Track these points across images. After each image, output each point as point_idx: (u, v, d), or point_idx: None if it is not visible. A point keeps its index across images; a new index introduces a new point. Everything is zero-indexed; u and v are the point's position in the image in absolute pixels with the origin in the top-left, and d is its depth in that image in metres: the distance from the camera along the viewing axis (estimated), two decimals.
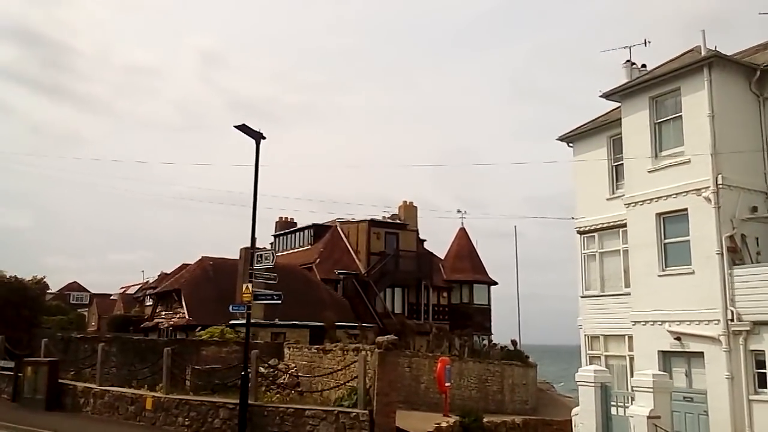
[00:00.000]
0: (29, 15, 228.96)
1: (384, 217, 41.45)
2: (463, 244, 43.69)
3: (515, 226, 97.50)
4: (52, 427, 13.87)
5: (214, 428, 13.94)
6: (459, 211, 47.01)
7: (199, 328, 28.08)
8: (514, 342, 32.16)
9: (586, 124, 21.32)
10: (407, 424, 13.75)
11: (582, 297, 20.33)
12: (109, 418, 15.55)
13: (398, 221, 41.29)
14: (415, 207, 42.28)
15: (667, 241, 16.97)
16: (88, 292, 77.90)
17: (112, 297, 70.75)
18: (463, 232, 44.22)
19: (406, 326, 29.26)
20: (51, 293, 59.54)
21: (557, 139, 21.87)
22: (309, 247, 41.43)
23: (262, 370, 17.70)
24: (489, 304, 42.46)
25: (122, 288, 70.23)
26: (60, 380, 17.23)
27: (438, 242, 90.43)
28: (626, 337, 18.34)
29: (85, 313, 62.48)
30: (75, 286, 79.93)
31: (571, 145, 21.59)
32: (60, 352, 19.89)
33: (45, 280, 26.31)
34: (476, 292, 41.92)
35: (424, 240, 43.14)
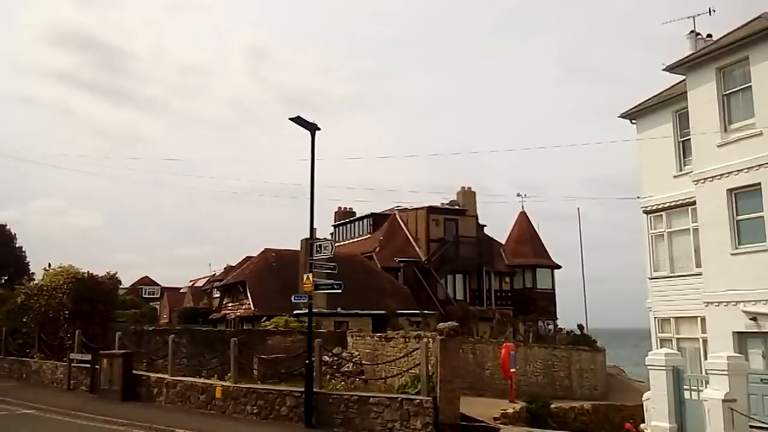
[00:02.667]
0: (82, 19, 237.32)
1: (442, 203, 41.24)
2: (524, 228, 43.02)
3: (578, 208, 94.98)
4: (129, 417, 14.41)
5: (281, 416, 14.19)
6: (519, 195, 46.36)
7: (264, 318, 28.67)
8: (580, 326, 31.52)
9: (649, 99, 20.54)
10: (472, 411, 13.64)
11: (650, 279, 19.69)
12: (181, 407, 16.05)
13: (457, 207, 41.00)
14: (474, 192, 41.90)
15: (739, 217, 16.23)
16: (159, 286, 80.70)
17: (181, 290, 73.02)
18: (523, 215, 43.55)
19: (468, 312, 29.08)
20: (124, 288, 61.98)
21: (619, 117, 21.16)
22: (368, 236, 41.66)
23: (326, 358, 17.93)
24: (553, 289, 41.74)
25: (191, 281, 72.36)
26: (134, 371, 17.85)
27: (498, 227, 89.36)
28: (698, 318, 17.69)
29: (157, 306, 64.75)
30: (147, 281, 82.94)
31: (634, 122, 20.86)
32: (133, 345, 20.64)
33: (117, 275, 27.37)
34: (539, 277, 41.25)
35: (484, 225, 42.71)
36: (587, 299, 40.49)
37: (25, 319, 23.15)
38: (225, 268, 57.09)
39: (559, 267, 42.28)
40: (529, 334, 28.08)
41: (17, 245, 52.99)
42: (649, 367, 15.35)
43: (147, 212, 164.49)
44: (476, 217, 41.44)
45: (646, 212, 19.93)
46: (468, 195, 41.58)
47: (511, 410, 18.70)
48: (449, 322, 13.12)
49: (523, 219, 43.43)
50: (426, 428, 12.04)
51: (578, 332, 30.68)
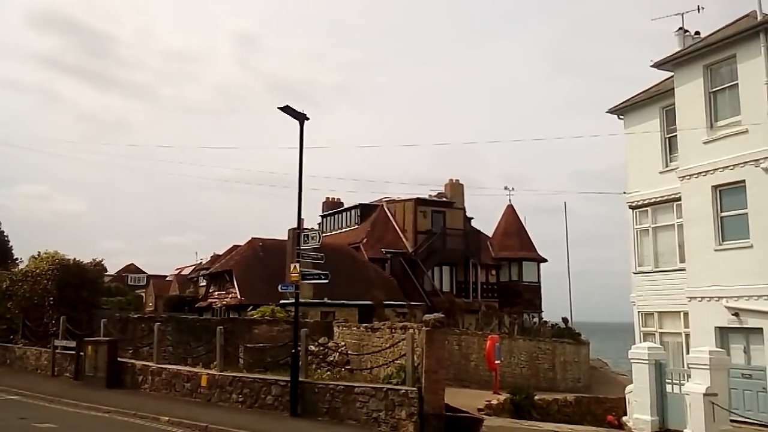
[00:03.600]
0: (66, 2, 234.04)
1: (430, 195, 41.31)
2: (511, 221, 43.22)
3: (565, 202, 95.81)
4: (113, 404, 14.37)
5: (266, 404, 14.23)
6: (506, 188, 46.42)
7: (251, 307, 28.66)
8: (565, 319, 31.83)
9: (637, 95, 20.67)
10: (457, 402, 13.74)
11: (635, 273, 19.89)
12: (166, 395, 16.04)
13: (445, 199, 41.09)
14: (462, 185, 42.00)
15: (723, 214, 16.42)
16: (145, 273, 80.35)
17: (167, 278, 72.77)
18: (510, 209, 43.74)
19: (454, 304, 29.22)
20: (109, 275, 61.67)
21: (607, 112, 21.29)
22: (356, 226, 41.69)
23: (312, 348, 17.95)
24: (539, 282, 42.01)
25: (177, 269, 72.14)
26: (119, 359, 17.80)
27: (484, 220, 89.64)
28: (681, 313, 17.90)
29: (143, 294, 64.50)
30: (132, 268, 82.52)
31: (621, 117, 21.00)
32: (118, 332, 20.58)
33: (103, 262, 27.17)
34: (525, 270, 41.49)
35: (472, 218, 42.90)
36: (572, 293, 40.84)
37: (9, 305, 22.97)
38: (211, 257, 56.95)
39: (545, 260, 42.57)
40: (514, 326, 28.28)
41: (1, 230, 52.58)
42: (632, 361, 15.55)
43: (133, 199, 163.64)
44: (464, 209, 41.57)
45: (632, 207, 20.10)
46: (456, 187, 41.67)
47: (495, 401, 18.86)
48: (435, 314, 13.20)
49: (510, 212, 43.62)
50: (411, 418, 12.12)
51: (563, 325, 30.96)
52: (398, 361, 14.53)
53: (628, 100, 20.75)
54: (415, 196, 40.15)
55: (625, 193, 20.59)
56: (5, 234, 52.88)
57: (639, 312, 19.59)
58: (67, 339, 19.53)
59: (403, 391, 12.35)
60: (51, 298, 21.45)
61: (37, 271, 22.52)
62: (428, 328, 12.46)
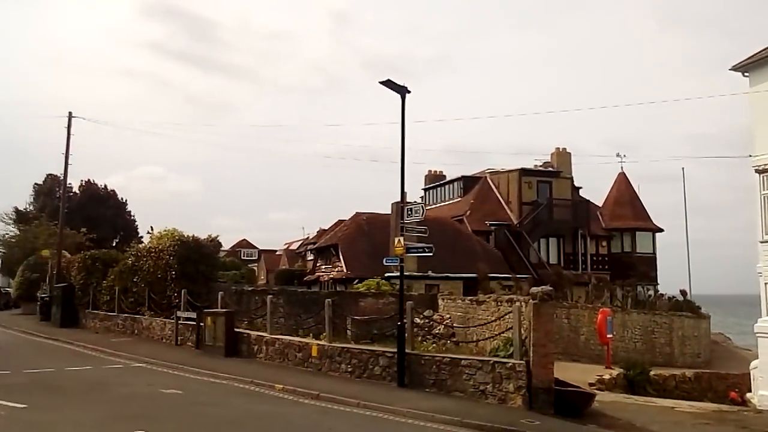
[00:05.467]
0: None
1: (536, 165, 40.22)
2: (623, 190, 41.29)
3: (683, 168, 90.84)
4: (232, 372, 15.16)
5: (374, 375, 14.50)
6: (618, 155, 44.25)
7: (357, 280, 29.24)
8: (683, 292, 30.17)
9: (765, 49, 18.96)
10: (567, 376, 13.39)
11: (762, 242, 18.45)
12: (279, 364, 16.72)
13: (551, 169, 39.87)
14: (569, 153, 40.54)
15: None
16: (257, 248, 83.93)
17: (277, 253, 75.59)
18: (623, 176, 41.76)
19: (562, 277, 28.41)
20: (224, 250, 64.89)
21: (731, 69, 19.68)
22: (459, 199, 41.36)
23: (417, 320, 18.08)
24: (654, 253, 40.02)
25: (286, 244, 74.73)
26: (235, 329, 18.73)
27: (592, 190, 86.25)
28: None
29: (255, 268, 67.44)
30: (244, 243, 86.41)
31: (746, 74, 19.36)
32: (234, 304, 21.63)
33: (218, 238, 28.63)
34: (639, 240, 39.61)
35: (580, 187, 41.37)
36: (690, 264, 38.54)
37: (135, 279, 24.67)
38: (318, 232, 58.50)
39: (660, 230, 40.46)
40: (627, 299, 27.13)
41: (128, 210, 56.59)
42: (757, 335, 14.55)
43: (242, 177, 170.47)
44: (571, 179, 40.15)
45: (758, 171, 18.59)
46: (562, 156, 40.28)
47: (607, 376, 18.30)
48: (543, 286, 12.86)
49: (623, 180, 41.64)
50: (519, 392, 11.96)
51: (680, 298, 29.38)
52: (504, 335, 14.34)
53: (754, 55, 19.09)
54: (519, 167, 39.26)
55: (750, 156, 19.07)
56: (131, 213, 56.98)
57: (766, 283, 18.20)
58: (188, 310, 20.72)
59: (511, 364, 12.19)
60: (173, 273, 22.80)
61: (159, 247, 24.00)
62: (536, 300, 12.17)
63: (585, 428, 11.22)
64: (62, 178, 34.84)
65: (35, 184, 55.30)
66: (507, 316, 14.35)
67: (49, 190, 52.68)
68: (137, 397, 12.41)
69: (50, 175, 53.94)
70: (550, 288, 12.93)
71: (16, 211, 51.55)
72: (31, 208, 52.46)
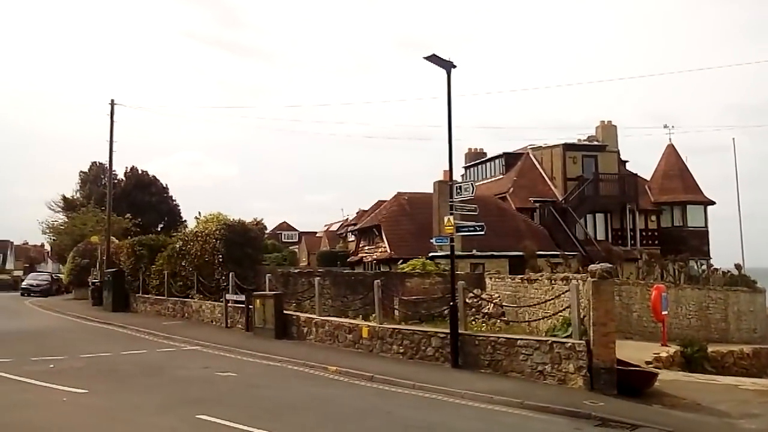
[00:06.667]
0: None
1: (579, 140, 39.29)
2: (673, 162, 40.06)
3: (733, 138, 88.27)
4: (284, 354, 15.16)
5: (427, 356, 14.35)
6: (665, 126, 42.89)
7: (401, 261, 29.09)
8: (738, 266, 29.23)
9: None
10: (622, 354, 13.01)
11: None
12: (330, 345, 16.69)
13: (596, 143, 38.90)
14: (614, 126, 39.45)
15: None
16: (297, 231, 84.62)
17: (317, 234, 76.04)
18: (671, 148, 40.50)
19: (612, 253, 27.74)
20: (266, 233, 65.54)
21: None
22: (501, 176, 40.74)
23: (467, 300, 17.84)
24: (706, 226, 38.81)
25: (326, 225, 75.06)
26: (284, 311, 18.79)
27: (638, 164, 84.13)
28: None
29: (296, 250, 67.98)
30: (285, 226, 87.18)
31: None
32: (281, 286, 21.72)
33: (263, 221, 28.72)
34: (690, 214, 38.43)
35: (626, 161, 40.30)
36: (743, 237, 37.28)
37: (183, 263, 24.97)
38: (357, 213, 58.57)
39: (712, 203, 39.19)
40: (680, 275, 26.38)
41: (170, 195, 57.43)
42: None
43: (278, 160, 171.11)
44: (617, 152, 39.09)
45: None
46: (608, 129, 39.22)
47: (664, 354, 17.80)
48: (601, 264, 12.47)
49: (671, 152, 40.37)
50: (579, 372, 11.66)
51: (735, 272, 28.46)
52: (559, 314, 14.01)
53: None
54: (562, 142, 38.40)
55: None
56: (174, 199, 57.82)
57: None
58: (236, 293, 20.88)
59: (570, 344, 11.89)
60: (219, 256, 22.98)
61: (206, 231, 24.20)
62: (595, 278, 11.81)
63: (651, 408, 10.90)
64: (107, 165, 35.41)
65: (81, 171, 56.54)
66: (563, 295, 13.99)
67: (95, 177, 53.76)
68: (194, 381, 12.50)
69: (95, 162, 55.07)
70: (610, 265, 12.54)
71: (64, 198, 52.88)
72: (78, 195, 53.64)
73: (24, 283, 48.92)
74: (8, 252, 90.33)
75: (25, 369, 13.08)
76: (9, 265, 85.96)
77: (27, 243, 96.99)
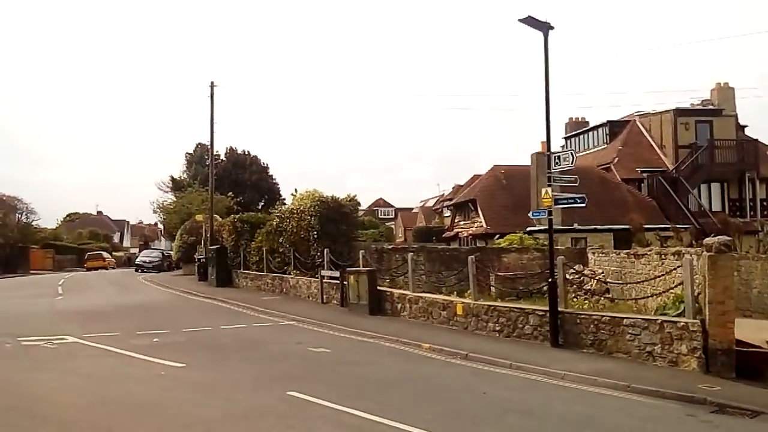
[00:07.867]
0: None
1: (693, 104, 36.59)
2: None
3: None
4: (377, 331, 15.02)
5: (524, 334, 13.74)
6: None
7: (497, 236, 28.31)
8: None
9: None
10: (741, 334, 11.84)
11: None
12: (423, 322, 16.38)
13: (711, 107, 36.08)
14: (732, 89, 36.43)
15: None
16: (393, 207, 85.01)
17: (413, 210, 76.04)
18: None
19: (729, 225, 25.67)
20: (362, 210, 66.23)
21: None
22: (605, 146, 38.74)
23: (567, 276, 16.96)
24: None
25: (422, 201, 74.88)
26: (378, 288, 18.64)
27: (759, 129, 77.68)
28: None
29: (392, 226, 68.27)
30: (381, 202, 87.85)
31: None
32: (375, 263, 21.59)
33: (357, 198, 28.84)
34: None
35: (745, 126, 37.18)
36: None
37: (280, 240, 25.42)
38: (453, 188, 57.85)
39: None
40: None
41: (270, 174, 59.02)
42: None
43: (370, 136, 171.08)
44: (735, 116, 36.12)
45: None
46: (724, 92, 36.25)
47: None
48: (719, 237, 11.32)
49: None
50: (693, 354, 10.69)
51: None
52: (671, 291, 12.93)
53: None
54: (673, 107, 35.89)
55: None
56: (273, 177, 59.39)
57: None
58: (331, 269, 20.97)
59: (683, 323, 10.92)
60: (315, 233, 23.16)
61: (301, 208, 24.45)
62: (711, 253, 10.73)
63: None
64: (209, 146, 36.59)
65: (187, 153, 59.10)
66: (675, 271, 12.89)
67: (200, 158, 56.01)
68: (288, 356, 12.55)
69: (200, 143, 57.35)
70: (728, 238, 11.38)
71: (172, 179, 55.58)
72: (185, 176, 56.16)
73: (137, 259, 52.19)
74: (125, 230, 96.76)
75: (130, 343, 13.62)
76: (126, 243, 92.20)
77: (141, 222, 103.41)
